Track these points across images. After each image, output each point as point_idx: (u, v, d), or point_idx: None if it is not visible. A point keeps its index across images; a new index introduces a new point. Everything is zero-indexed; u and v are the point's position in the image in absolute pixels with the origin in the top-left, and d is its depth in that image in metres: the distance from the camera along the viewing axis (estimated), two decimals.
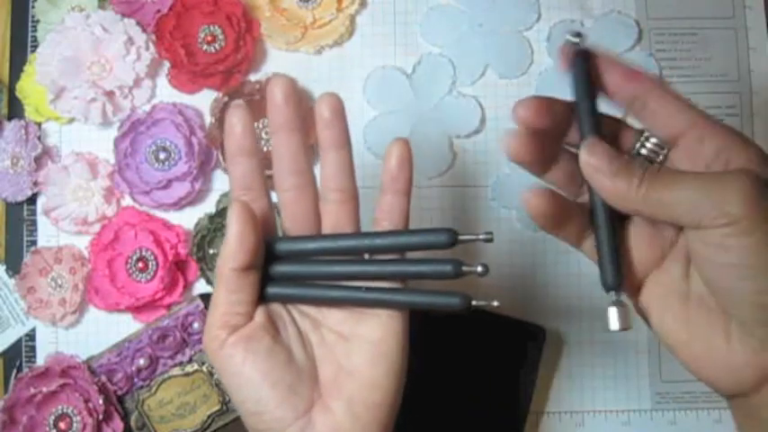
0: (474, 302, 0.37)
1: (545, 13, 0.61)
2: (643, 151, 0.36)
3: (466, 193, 0.60)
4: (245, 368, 0.37)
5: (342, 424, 0.37)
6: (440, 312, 0.38)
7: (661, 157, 0.35)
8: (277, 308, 0.40)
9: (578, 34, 0.35)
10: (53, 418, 0.56)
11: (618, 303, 0.35)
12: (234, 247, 0.37)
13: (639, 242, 0.36)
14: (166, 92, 0.61)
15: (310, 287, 0.39)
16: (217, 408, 0.55)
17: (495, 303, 0.37)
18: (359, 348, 0.38)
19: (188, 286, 0.60)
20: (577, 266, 0.59)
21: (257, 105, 0.59)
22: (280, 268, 0.39)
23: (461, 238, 0.37)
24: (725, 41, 0.61)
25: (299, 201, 0.40)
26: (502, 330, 0.57)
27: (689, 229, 0.33)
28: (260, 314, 0.39)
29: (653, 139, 0.36)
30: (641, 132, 0.36)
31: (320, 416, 0.37)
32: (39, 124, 0.61)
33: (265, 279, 0.39)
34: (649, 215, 0.34)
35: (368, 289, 0.38)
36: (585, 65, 0.35)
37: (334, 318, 0.40)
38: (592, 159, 0.34)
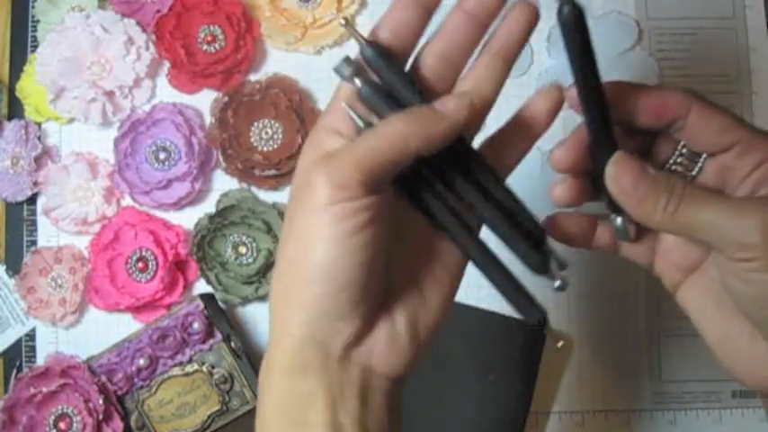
0: (545, 329, 0.37)
1: (545, 13, 0.60)
2: (678, 161, 0.35)
3: None
4: (353, 237, 0.30)
5: (400, 339, 0.33)
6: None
7: (697, 169, 0.35)
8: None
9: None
10: (53, 418, 0.56)
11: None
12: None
13: (679, 244, 0.36)
14: (166, 92, 0.61)
15: (444, 212, 0.34)
16: (217, 408, 0.55)
17: (560, 344, 0.37)
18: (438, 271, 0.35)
19: (188, 286, 0.60)
20: (577, 266, 0.59)
21: (257, 105, 0.59)
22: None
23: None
24: (725, 41, 0.61)
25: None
26: (502, 330, 0.57)
27: (716, 251, 0.33)
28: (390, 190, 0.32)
29: (685, 151, 0.35)
30: (677, 141, 0.35)
31: (383, 323, 0.33)
32: (39, 124, 0.61)
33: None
34: (676, 235, 0.34)
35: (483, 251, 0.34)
36: (583, 35, 0.31)
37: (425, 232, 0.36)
38: (619, 179, 0.33)
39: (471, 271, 0.37)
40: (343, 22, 0.31)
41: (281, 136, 0.59)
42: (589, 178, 0.36)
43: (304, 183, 0.31)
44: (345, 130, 0.32)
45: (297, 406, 0.31)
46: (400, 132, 0.30)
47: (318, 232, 0.30)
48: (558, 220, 0.37)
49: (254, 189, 0.60)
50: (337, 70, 0.31)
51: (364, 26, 0.62)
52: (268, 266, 0.58)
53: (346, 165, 0.30)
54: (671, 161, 0.35)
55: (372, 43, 0.31)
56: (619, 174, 0.33)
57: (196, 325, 0.55)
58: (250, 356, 0.57)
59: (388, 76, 0.31)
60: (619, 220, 0.35)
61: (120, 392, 0.56)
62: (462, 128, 0.32)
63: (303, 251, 0.31)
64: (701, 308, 0.35)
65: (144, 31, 0.61)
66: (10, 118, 0.62)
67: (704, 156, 0.34)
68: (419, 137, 0.30)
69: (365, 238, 0.30)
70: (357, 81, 0.31)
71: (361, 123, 0.31)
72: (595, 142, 0.34)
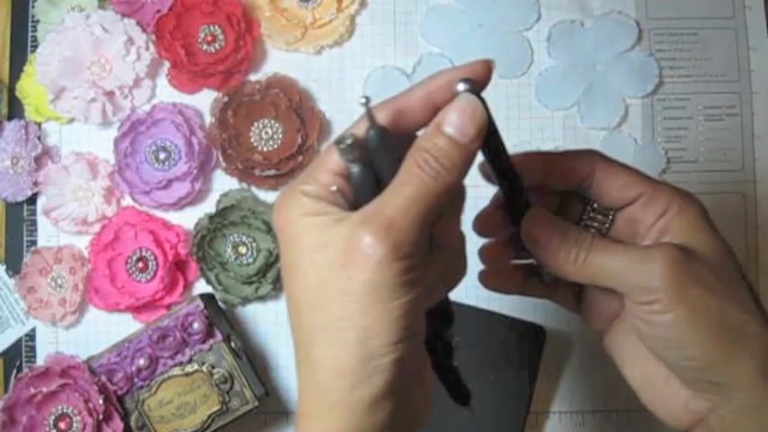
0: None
1: (545, 13, 0.61)
2: (591, 216, 0.37)
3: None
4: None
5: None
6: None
7: (608, 223, 0.37)
8: None
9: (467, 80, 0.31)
10: (53, 418, 0.56)
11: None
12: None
13: (599, 294, 0.38)
14: (166, 92, 0.61)
15: None
16: (217, 408, 0.55)
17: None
18: None
19: (188, 286, 0.60)
20: None
21: (257, 105, 0.59)
22: None
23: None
24: (725, 41, 0.61)
25: None
26: (502, 330, 0.57)
27: (625, 297, 0.35)
28: None
29: (596, 206, 0.37)
30: (588, 199, 0.38)
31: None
32: (39, 124, 0.61)
33: None
34: (588, 283, 0.36)
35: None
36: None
37: None
38: (533, 235, 0.36)
39: (471, 270, 0.37)
40: (363, 100, 0.30)
41: (281, 136, 0.59)
42: (511, 239, 0.38)
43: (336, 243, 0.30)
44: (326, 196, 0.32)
45: None
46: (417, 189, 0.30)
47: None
48: (489, 275, 0.40)
49: (254, 189, 0.60)
50: (343, 152, 0.30)
51: (364, 26, 0.62)
52: (268, 266, 0.58)
53: (399, 220, 0.29)
54: (584, 217, 0.38)
55: (381, 128, 0.31)
56: (533, 230, 0.36)
57: (196, 325, 0.55)
58: (250, 356, 0.57)
59: (386, 160, 0.31)
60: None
61: (120, 392, 0.56)
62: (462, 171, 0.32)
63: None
64: (623, 353, 0.38)
65: (144, 31, 0.61)
66: (10, 118, 0.62)
67: (613, 210, 0.37)
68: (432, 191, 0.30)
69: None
70: (353, 166, 0.31)
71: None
72: (511, 206, 0.37)
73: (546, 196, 0.38)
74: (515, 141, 0.60)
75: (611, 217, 0.37)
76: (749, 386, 0.34)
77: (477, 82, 0.31)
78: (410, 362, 0.30)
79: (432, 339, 0.35)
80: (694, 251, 0.34)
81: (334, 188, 0.31)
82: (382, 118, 0.32)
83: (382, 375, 0.29)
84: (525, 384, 0.57)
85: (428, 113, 0.32)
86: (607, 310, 0.38)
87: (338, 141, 0.30)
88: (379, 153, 0.31)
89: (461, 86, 0.31)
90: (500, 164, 0.34)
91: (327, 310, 0.30)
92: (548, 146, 0.60)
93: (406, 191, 0.30)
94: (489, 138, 0.32)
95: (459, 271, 0.36)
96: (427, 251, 0.33)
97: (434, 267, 0.33)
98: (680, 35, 0.61)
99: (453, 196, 0.32)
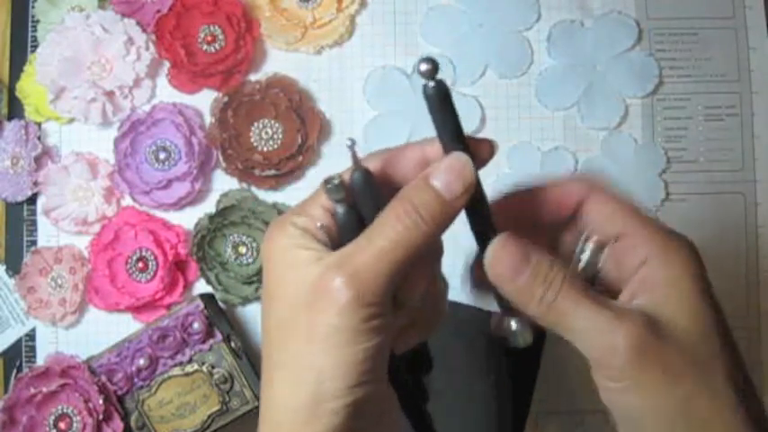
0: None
1: (545, 13, 0.61)
2: (584, 249, 0.33)
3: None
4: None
5: None
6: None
7: (599, 263, 0.33)
8: None
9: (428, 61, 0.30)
10: (53, 418, 0.56)
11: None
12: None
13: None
14: (166, 92, 0.61)
15: None
16: (217, 408, 0.55)
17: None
18: None
19: (188, 286, 0.60)
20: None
21: (257, 105, 0.59)
22: None
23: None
24: (725, 41, 0.61)
25: None
26: None
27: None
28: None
29: (591, 243, 0.33)
30: (580, 232, 0.34)
31: None
32: (39, 124, 0.61)
33: None
34: (551, 329, 0.32)
35: None
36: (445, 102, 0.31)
37: None
38: (496, 265, 0.31)
39: None
40: (349, 142, 0.31)
41: (281, 136, 0.59)
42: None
43: (318, 285, 0.29)
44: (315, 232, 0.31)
45: None
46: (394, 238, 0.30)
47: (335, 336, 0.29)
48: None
49: (254, 189, 0.60)
50: (329, 192, 0.31)
51: (364, 26, 0.62)
52: None
53: (367, 267, 0.29)
54: (577, 250, 0.34)
55: (365, 171, 0.31)
56: (496, 260, 0.31)
57: (196, 325, 0.55)
58: (250, 356, 0.57)
59: (369, 204, 0.31)
60: (513, 322, 0.34)
61: (120, 392, 0.56)
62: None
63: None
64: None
65: (144, 31, 0.61)
66: (10, 118, 0.62)
67: (605, 247, 0.33)
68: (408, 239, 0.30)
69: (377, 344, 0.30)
70: (338, 206, 0.31)
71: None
72: (479, 237, 0.33)
73: (538, 236, 0.34)
74: (515, 141, 0.60)
75: (603, 255, 0.33)
76: None
77: (436, 70, 0.31)
78: (369, 406, 0.30)
79: (406, 383, 0.35)
80: (665, 324, 0.30)
81: (319, 224, 0.31)
82: (372, 164, 0.32)
83: (335, 417, 0.29)
84: (525, 384, 0.57)
85: (418, 168, 0.32)
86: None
87: (326, 181, 0.31)
88: (363, 196, 0.31)
89: (423, 66, 0.30)
90: (480, 226, 0.32)
91: (290, 347, 0.30)
92: (548, 146, 0.60)
93: (378, 240, 0.29)
94: (475, 200, 0.31)
95: (433, 320, 0.35)
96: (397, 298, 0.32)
97: (406, 314, 0.32)
98: (680, 35, 0.61)
99: (431, 249, 0.32)
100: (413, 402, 0.36)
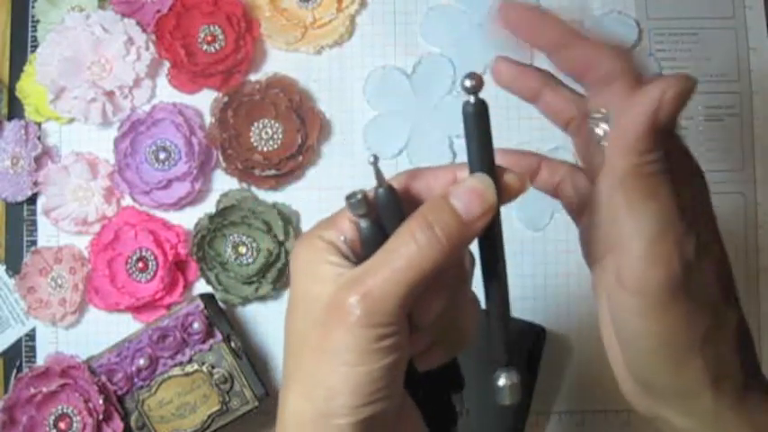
0: None
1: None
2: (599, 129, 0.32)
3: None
4: None
5: None
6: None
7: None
8: None
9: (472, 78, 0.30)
10: (53, 418, 0.56)
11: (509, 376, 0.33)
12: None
13: (603, 218, 0.32)
14: (166, 92, 0.61)
15: None
16: (217, 408, 0.55)
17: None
18: None
19: (188, 286, 0.60)
20: (577, 266, 0.59)
21: (257, 105, 0.59)
22: None
23: None
24: (725, 41, 0.61)
25: None
26: None
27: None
28: None
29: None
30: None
31: None
32: (39, 124, 0.61)
33: None
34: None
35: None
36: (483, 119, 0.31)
37: None
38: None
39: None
40: (372, 159, 0.31)
41: (281, 136, 0.59)
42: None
43: (333, 301, 0.30)
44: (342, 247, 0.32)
45: None
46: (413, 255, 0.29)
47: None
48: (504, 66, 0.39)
49: (254, 189, 0.60)
50: (351, 207, 0.31)
51: (364, 26, 0.62)
52: (268, 266, 0.58)
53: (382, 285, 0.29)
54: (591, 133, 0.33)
55: (388, 187, 0.31)
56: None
57: (196, 325, 0.55)
58: (250, 356, 0.57)
59: (392, 221, 0.31)
60: (501, 379, 0.34)
61: (120, 392, 0.56)
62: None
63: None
64: (601, 299, 0.34)
65: (144, 31, 0.61)
66: (10, 118, 0.62)
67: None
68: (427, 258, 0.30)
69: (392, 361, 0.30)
70: (361, 221, 0.31)
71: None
72: (487, 293, 0.33)
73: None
74: (515, 142, 0.60)
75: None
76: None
77: (480, 86, 0.30)
78: (379, 423, 0.30)
79: (434, 401, 0.34)
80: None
81: (342, 238, 0.31)
82: (398, 181, 0.32)
83: None
84: (525, 384, 0.57)
85: (444, 187, 0.31)
86: (604, 238, 0.32)
87: (348, 196, 0.31)
88: (386, 212, 0.31)
89: (468, 82, 0.30)
90: (490, 255, 0.32)
91: (304, 361, 0.30)
92: (548, 146, 0.60)
93: (392, 258, 0.29)
94: (490, 229, 0.30)
95: (458, 341, 0.35)
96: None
97: (428, 332, 0.32)
98: (680, 35, 0.61)
99: (451, 271, 0.31)
100: (439, 422, 0.36)
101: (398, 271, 0.29)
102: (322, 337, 0.29)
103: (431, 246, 0.29)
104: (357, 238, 0.31)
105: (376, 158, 0.30)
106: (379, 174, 0.31)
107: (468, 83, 0.30)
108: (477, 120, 0.30)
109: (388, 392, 0.30)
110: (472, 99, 0.30)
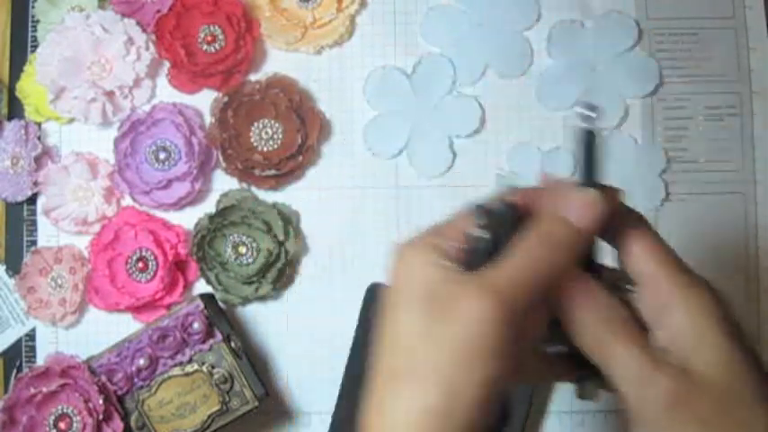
0: None
1: (545, 13, 0.61)
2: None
3: (466, 193, 0.60)
4: None
5: None
6: None
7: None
8: None
9: (591, 109, 0.33)
10: (53, 418, 0.56)
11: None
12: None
13: None
14: (166, 92, 0.61)
15: None
16: (217, 408, 0.55)
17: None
18: None
19: (188, 286, 0.60)
20: None
21: (257, 105, 0.59)
22: None
23: None
24: (725, 41, 0.61)
25: None
26: None
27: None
28: None
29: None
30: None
31: None
32: (39, 124, 0.61)
33: None
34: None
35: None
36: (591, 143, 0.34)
37: None
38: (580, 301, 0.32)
39: None
40: (501, 171, 0.33)
41: (281, 136, 0.59)
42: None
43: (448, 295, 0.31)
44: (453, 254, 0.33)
45: None
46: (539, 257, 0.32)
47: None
48: None
49: (254, 189, 0.60)
50: (478, 215, 0.33)
51: (364, 26, 0.62)
52: (268, 266, 0.58)
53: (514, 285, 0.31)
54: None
55: (511, 205, 0.33)
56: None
57: (196, 325, 0.55)
58: (250, 356, 0.57)
59: (507, 235, 0.33)
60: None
61: (120, 392, 0.56)
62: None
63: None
64: None
65: (144, 31, 0.61)
66: (10, 118, 0.62)
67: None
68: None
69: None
70: (479, 231, 0.33)
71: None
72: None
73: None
74: (515, 142, 0.60)
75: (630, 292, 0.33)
76: None
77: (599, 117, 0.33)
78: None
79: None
80: (699, 376, 0.30)
81: (453, 245, 0.33)
82: (520, 196, 0.34)
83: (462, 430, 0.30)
84: (525, 384, 0.57)
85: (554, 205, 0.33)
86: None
87: (478, 206, 0.33)
88: (503, 227, 0.33)
89: (579, 109, 0.32)
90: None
91: (422, 356, 0.31)
92: (548, 146, 0.60)
93: (519, 262, 0.31)
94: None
95: (537, 371, 0.36)
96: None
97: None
98: (680, 35, 0.61)
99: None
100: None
101: (526, 270, 0.31)
102: (444, 334, 0.30)
103: (551, 253, 0.31)
104: (462, 248, 0.33)
105: (504, 172, 0.32)
106: (504, 190, 0.33)
107: (585, 112, 0.33)
108: (590, 145, 0.33)
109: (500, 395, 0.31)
110: (589, 127, 0.33)
